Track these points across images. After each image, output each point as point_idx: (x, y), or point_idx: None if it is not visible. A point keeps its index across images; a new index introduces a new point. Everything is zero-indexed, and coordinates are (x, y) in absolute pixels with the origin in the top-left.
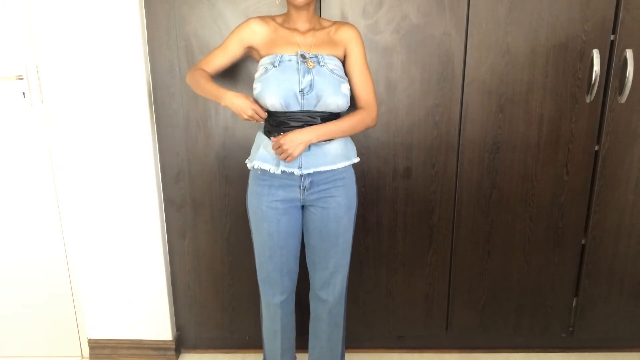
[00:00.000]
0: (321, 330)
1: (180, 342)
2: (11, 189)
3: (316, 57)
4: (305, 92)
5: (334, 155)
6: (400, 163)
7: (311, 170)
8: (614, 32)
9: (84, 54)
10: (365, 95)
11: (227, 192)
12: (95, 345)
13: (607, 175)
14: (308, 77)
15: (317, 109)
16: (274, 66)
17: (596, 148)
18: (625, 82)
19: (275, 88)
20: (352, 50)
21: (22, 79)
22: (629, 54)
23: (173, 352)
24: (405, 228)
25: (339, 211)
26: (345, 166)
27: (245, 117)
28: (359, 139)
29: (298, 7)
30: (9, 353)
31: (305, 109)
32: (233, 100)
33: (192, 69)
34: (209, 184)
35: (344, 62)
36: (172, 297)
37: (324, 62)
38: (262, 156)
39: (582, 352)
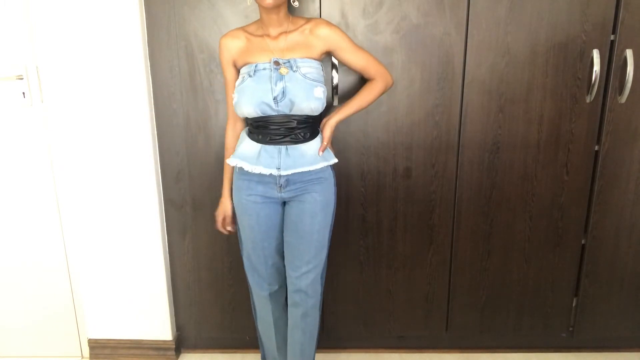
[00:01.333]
0: (296, 338)
1: (180, 342)
2: (11, 189)
3: (289, 62)
4: (278, 99)
5: (311, 156)
6: (400, 163)
7: (289, 172)
8: (614, 32)
9: (84, 54)
10: (373, 67)
11: None
12: (95, 345)
13: (607, 175)
14: (280, 85)
15: (293, 112)
16: (250, 76)
17: (596, 148)
18: (625, 82)
19: (249, 98)
20: (338, 45)
21: (22, 79)
22: (629, 54)
23: (173, 352)
24: (405, 228)
25: (315, 207)
26: (323, 167)
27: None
28: (359, 139)
29: (267, 10)
30: (9, 353)
31: (281, 113)
32: (218, 207)
33: (228, 122)
34: (209, 184)
35: (335, 58)
36: (172, 297)
37: (297, 67)
38: (242, 154)
39: (582, 352)
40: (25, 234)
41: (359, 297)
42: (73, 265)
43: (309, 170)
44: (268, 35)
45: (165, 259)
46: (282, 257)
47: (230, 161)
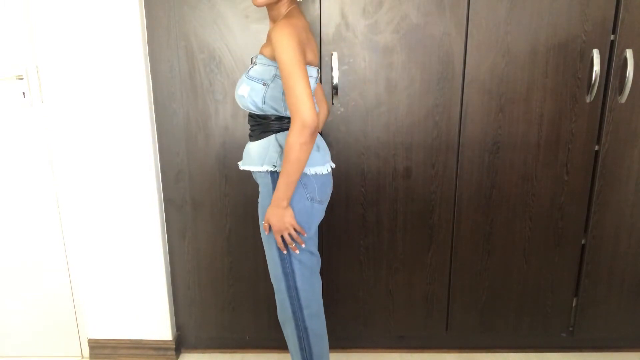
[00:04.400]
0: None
1: (180, 342)
2: (11, 189)
3: (256, 57)
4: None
5: (251, 156)
6: (400, 163)
7: (242, 168)
8: (614, 32)
9: (84, 54)
10: (289, 97)
11: (227, 192)
12: (95, 345)
13: (607, 175)
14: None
15: (242, 108)
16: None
17: (596, 148)
18: (625, 82)
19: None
20: (275, 53)
21: (22, 79)
22: (629, 54)
23: (173, 352)
24: (405, 228)
25: (259, 215)
26: (259, 172)
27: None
28: (359, 139)
29: (257, 3)
30: (9, 353)
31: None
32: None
33: (315, 116)
34: (209, 184)
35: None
36: (172, 297)
37: (255, 63)
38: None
39: (582, 352)
40: (25, 234)
41: (359, 297)
42: (73, 265)
43: (257, 172)
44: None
45: (165, 259)
46: None
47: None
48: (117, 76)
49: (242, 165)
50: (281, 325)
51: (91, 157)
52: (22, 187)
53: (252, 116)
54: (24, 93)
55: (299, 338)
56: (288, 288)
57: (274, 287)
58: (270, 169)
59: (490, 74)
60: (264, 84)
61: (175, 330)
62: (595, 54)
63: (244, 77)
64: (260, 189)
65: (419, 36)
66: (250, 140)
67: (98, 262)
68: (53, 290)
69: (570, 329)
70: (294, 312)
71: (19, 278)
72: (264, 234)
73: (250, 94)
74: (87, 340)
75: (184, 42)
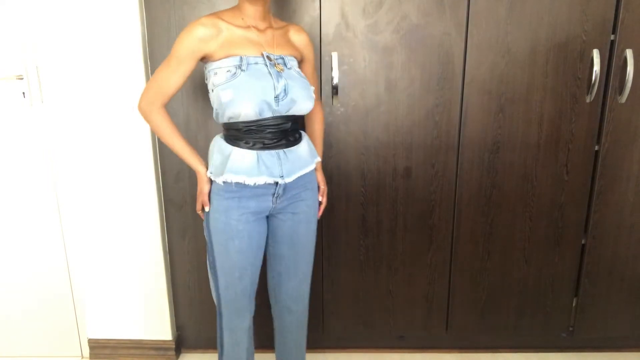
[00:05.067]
0: (291, 340)
1: (180, 342)
2: (11, 189)
3: (282, 58)
4: (280, 98)
5: (305, 157)
6: (400, 163)
7: (293, 178)
8: (614, 32)
9: (84, 54)
10: (316, 92)
11: None
12: (95, 345)
13: (607, 175)
14: (282, 82)
15: (290, 113)
16: (242, 70)
17: (596, 148)
18: (625, 82)
19: (250, 95)
20: (309, 57)
21: (22, 79)
22: (629, 54)
23: (173, 352)
24: (405, 228)
25: (309, 215)
26: (310, 170)
27: (199, 202)
28: (359, 139)
29: (254, 2)
30: (9, 353)
31: (277, 114)
32: (203, 184)
33: (146, 102)
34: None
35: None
36: (172, 297)
37: (291, 65)
38: (235, 168)
39: (582, 352)
40: (25, 234)
41: (359, 297)
42: (73, 265)
43: (305, 174)
44: (255, 28)
45: (165, 259)
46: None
47: (224, 178)
48: (117, 76)
49: (298, 172)
50: (297, 322)
51: (91, 157)
52: (22, 187)
53: (297, 119)
54: (24, 93)
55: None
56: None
57: (305, 285)
58: (318, 159)
59: (490, 74)
60: None
61: (175, 330)
62: (595, 54)
63: (304, 79)
64: (311, 185)
65: (419, 36)
66: (294, 145)
67: (98, 262)
68: (53, 290)
69: (570, 329)
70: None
71: (19, 278)
72: (314, 229)
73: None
74: (87, 340)
75: None
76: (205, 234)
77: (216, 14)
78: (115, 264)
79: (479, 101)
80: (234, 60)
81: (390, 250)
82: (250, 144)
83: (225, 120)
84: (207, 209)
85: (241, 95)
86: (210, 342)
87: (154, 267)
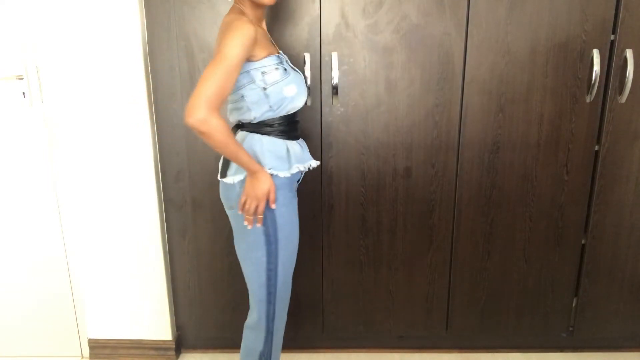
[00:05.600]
0: None
1: (180, 342)
2: (11, 189)
3: (284, 56)
4: (309, 91)
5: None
6: (400, 163)
7: (316, 163)
8: (614, 32)
9: (84, 54)
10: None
11: None
12: (95, 345)
13: (607, 175)
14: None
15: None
16: (286, 67)
17: (596, 148)
18: (625, 82)
19: (304, 88)
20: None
21: (22, 79)
22: (629, 54)
23: (173, 352)
24: (405, 228)
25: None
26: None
27: (263, 202)
28: (359, 139)
29: (259, 6)
30: (9, 353)
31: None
32: (269, 182)
33: (207, 108)
34: (209, 184)
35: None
36: (172, 297)
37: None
38: (299, 157)
39: (582, 352)
40: (25, 234)
41: (359, 297)
42: (73, 265)
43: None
44: (262, 28)
45: (165, 259)
46: None
47: (294, 169)
48: (117, 76)
49: (313, 164)
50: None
51: (91, 157)
52: (22, 187)
53: (297, 117)
54: (24, 93)
55: None
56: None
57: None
58: None
59: (490, 74)
60: None
61: (175, 330)
62: (595, 54)
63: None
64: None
65: (419, 36)
66: (299, 140)
67: (98, 262)
68: (53, 290)
69: (570, 329)
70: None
71: (19, 278)
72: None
73: None
74: (87, 340)
75: (184, 42)
76: (261, 234)
77: (242, 12)
78: (115, 263)
79: (479, 101)
80: (275, 59)
81: (390, 250)
82: (286, 135)
83: (283, 113)
84: (273, 206)
85: (301, 89)
86: (210, 342)
87: (154, 267)
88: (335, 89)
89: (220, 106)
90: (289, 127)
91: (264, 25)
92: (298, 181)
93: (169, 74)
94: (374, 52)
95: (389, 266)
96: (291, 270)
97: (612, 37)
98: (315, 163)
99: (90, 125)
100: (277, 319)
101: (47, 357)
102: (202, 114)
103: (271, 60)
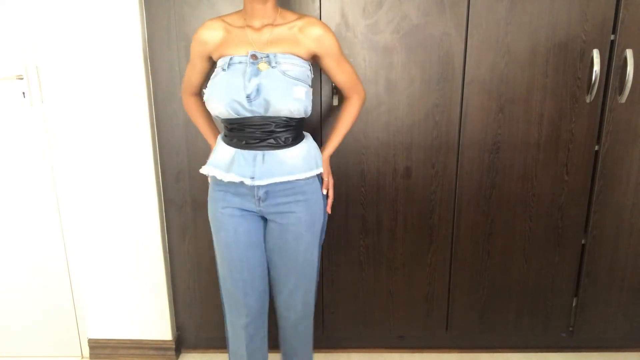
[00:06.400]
0: (288, 341)
1: (180, 342)
2: (11, 189)
3: (268, 56)
4: (252, 97)
5: (291, 165)
6: (400, 163)
7: (264, 182)
8: (614, 32)
9: (84, 54)
10: (353, 83)
11: None
12: (95, 345)
13: (607, 175)
14: (255, 81)
15: (270, 114)
16: (223, 69)
17: (596, 148)
18: (625, 82)
19: (219, 94)
20: (327, 51)
21: (22, 79)
22: (629, 54)
23: (173, 352)
24: (405, 228)
25: (299, 228)
26: (307, 178)
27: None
28: (359, 139)
29: (252, 1)
30: (9, 353)
31: (256, 114)
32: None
33: (182, 91)
34: (209, 184)
35: (316, 62)
36: (172, 297)
37: (277, 62)
38: (215, 161)
39: (582, 352)
40: (25, 234)
41: (359, 297)
42: (73, 265)
43: (289, 181)
44: (250, 27)
45: (165, 259)
46: (265, 281)
47: (203, 169)
48: (117, 76)
49: (274, 178)
50: (293, 326)
51: (91, 157)
52: (22, 187)
53: (286, 121)
54: (24, 93)
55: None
56: (313, 288)
57: (299, 296)
58: (320, 170)
59: (490, 74)
60: (310, 86)
61: (175, 330)
62: (595, 54)
63: (290, 79)
64: (304, 197)
65: (419, 36)
66: (279, 149)
67: (98, 262)
68: (53, 290)
69: (570, 329)
70: (314, 306)
71: (19, 278)
72: (309, 241)
73: (307, 97)
74: (87, 340)
75: (184, 42)
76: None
77: (221, 17)
78: (115, 263)
79: (479, 101)
80: (222, 61)
81: (390, 250)
82: (233, 141)
83: (218, 117)
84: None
85: (213, 94)
86: (210, 342)
87: (154, 267)
88: (335, 89)
89: (191, 90)
90: (229, 132)
91: (265, 21)
92: (254, 196)
93: (169, 74)
94: (374, 52)
95: (388, 266)
96: (227, 271)
97: (612, 37)
98: (235, 179)
99: (90, 125)
100: (227, 322)
101: (47, 357)
102: (181, 94)
103: (220, 62)
